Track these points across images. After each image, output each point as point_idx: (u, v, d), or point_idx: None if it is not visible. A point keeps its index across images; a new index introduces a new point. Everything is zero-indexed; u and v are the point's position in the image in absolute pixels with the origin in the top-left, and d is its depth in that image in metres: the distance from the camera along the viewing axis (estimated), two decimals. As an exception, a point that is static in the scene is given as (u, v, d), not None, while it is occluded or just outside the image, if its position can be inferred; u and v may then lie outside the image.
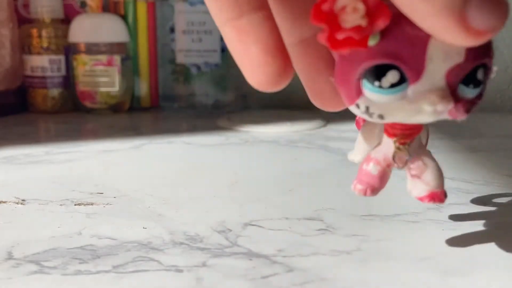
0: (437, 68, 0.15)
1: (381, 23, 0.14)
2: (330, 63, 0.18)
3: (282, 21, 0.18)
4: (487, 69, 0.16)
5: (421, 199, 0.20)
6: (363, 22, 0.14)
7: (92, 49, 0.60)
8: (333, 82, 0.17)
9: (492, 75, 0.17)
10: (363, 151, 0.21)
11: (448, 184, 0.33)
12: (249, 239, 0.24)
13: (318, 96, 0.19)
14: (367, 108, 0.16)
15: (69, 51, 0.62)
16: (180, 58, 0.64)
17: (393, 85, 0.15)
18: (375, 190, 0.20)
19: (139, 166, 0.39)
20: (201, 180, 0.35)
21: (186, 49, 0.63)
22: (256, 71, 0.17)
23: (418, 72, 0.15)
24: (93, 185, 0.32)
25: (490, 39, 0.15)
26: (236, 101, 0.65)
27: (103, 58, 0.60)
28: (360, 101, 0.16)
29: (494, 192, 0.31)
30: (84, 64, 0.60)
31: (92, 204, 0.29)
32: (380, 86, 0.15)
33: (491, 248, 0.23)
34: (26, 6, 0.63)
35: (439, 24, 0.14)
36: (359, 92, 0.16)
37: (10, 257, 0.22)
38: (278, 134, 0.49)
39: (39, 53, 0.61)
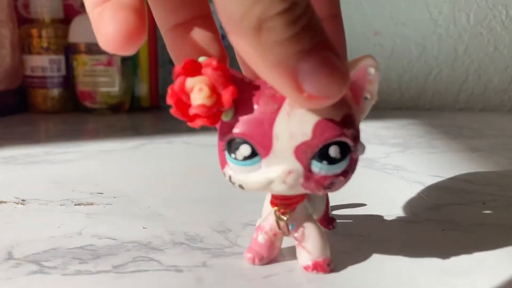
0: (284, 145, 0.17)
1: (226, 101, 0.16)
2: (199, 48, 0.19)
3: (156, 10, 0.19)
4: (345, 146, 0.17)
5: (306, 268, 0.20)
6: (208, 102, 0.16)
7: (92, 49, 0.60)
8: None
9: (360, 152, 0.17)
10: None
11: (448, 184, 0.33)
12: (249, 239, 0.24)
13: None
14: (230, 177, 0.18)
15: (69, 51, 0.62)
16: (180, 58, 0.64)
17: (246, 158, 0.17)
18: (263, 258, 0.21)
19: (139, 166, 0.39)
20: (201, 180, 0.35)
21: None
22: (106, 28, 0.16)
23: (266, 148, 0.17)
24: (93, 185, 0.32)
25: (351, 117, 0.17)
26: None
27: (103, 58, 0.60)
28: (225, 170, 0.18)
29: (493, 192, 0.31)
30: (84, 64, 0.60)
31: (92, 204, 0.29)
32: (235, 158, 0.17)
33: (491, 248, 0.23)
34: (26, 6, 0.63)
35: (273, 78, 0.15)
36: (225, 162, 0.18)
37: (10, 257, 0.22)
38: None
39: (39, 53, 0.61)
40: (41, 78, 0.62)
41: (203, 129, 0.56)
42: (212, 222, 0.26)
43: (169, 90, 0.17)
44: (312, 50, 0.14)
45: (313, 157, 0.17)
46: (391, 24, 0.67)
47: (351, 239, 0.24)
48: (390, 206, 0.28)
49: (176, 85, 0.17)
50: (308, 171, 0.17)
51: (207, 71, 0.16)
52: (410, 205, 0.29)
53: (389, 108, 0.68)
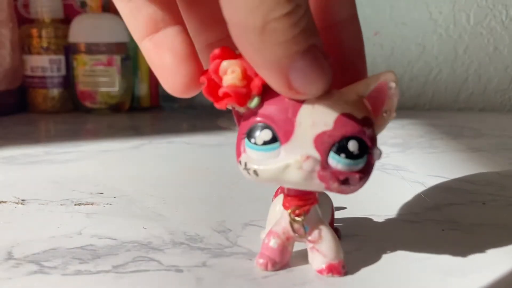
0: (305, 132, 0.17)
1: (255, 86, 0.17)
2: None
3: (190, 29, 0.20)
4: (363, 144, 0.17)
5: (320, 272, 0.20)
6: (239, 83, 0.17)
7: (92, 49, 0.60)
8: None
9: (376, 157, 0.18)
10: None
11: (448, 184, 0.33)
12: (249, 239, 0.24)
13: None
14: (245, 164, 0.18)
15: (69, 51, 0.62)
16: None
17: (265, 143, 0.17)
18: (275, 264, 0.20)
19: (139, 166, 0.39)
20: (201, 180, 0.35)
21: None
22: (170, 77, 0.18)
23: (287, 133, 0.17)
24: (93, 185, 0.32)
25: (371, 121, 0.18)
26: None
27: (103, 58, 0.60)
28: (242, 158, 0.18)
29: (493, 192, 0.31)
30: (84, 64, 0.60)
31: (92, 204, 0.29)
32: (255, 143, 0.17)
33: (491, 248, 0.23)
34: (26, 6, 0.63)
35: (268, 74, 0.16)
36: (243, 150, 0.18)
37: (10, 257, 0.22)
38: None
39: (39, 53, 0.61)
40: (41, 78, 0.62)
41: (203, 129, 0.55)
42: (212, 222, 0.26)
43: (203, 73, 0.17)
44: (307, 51, 0.15)
45: (331, 149, 0.17)
46: (391, 24, 0.67)
47: (351, 239, 0.24)
48: (390, 206, 0.28)
49: (211, 66, 0.17)
50: (325, 162, 0.17)
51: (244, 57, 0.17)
52: (410, 205, 0.29)
53: (389, 108, 0.68)
